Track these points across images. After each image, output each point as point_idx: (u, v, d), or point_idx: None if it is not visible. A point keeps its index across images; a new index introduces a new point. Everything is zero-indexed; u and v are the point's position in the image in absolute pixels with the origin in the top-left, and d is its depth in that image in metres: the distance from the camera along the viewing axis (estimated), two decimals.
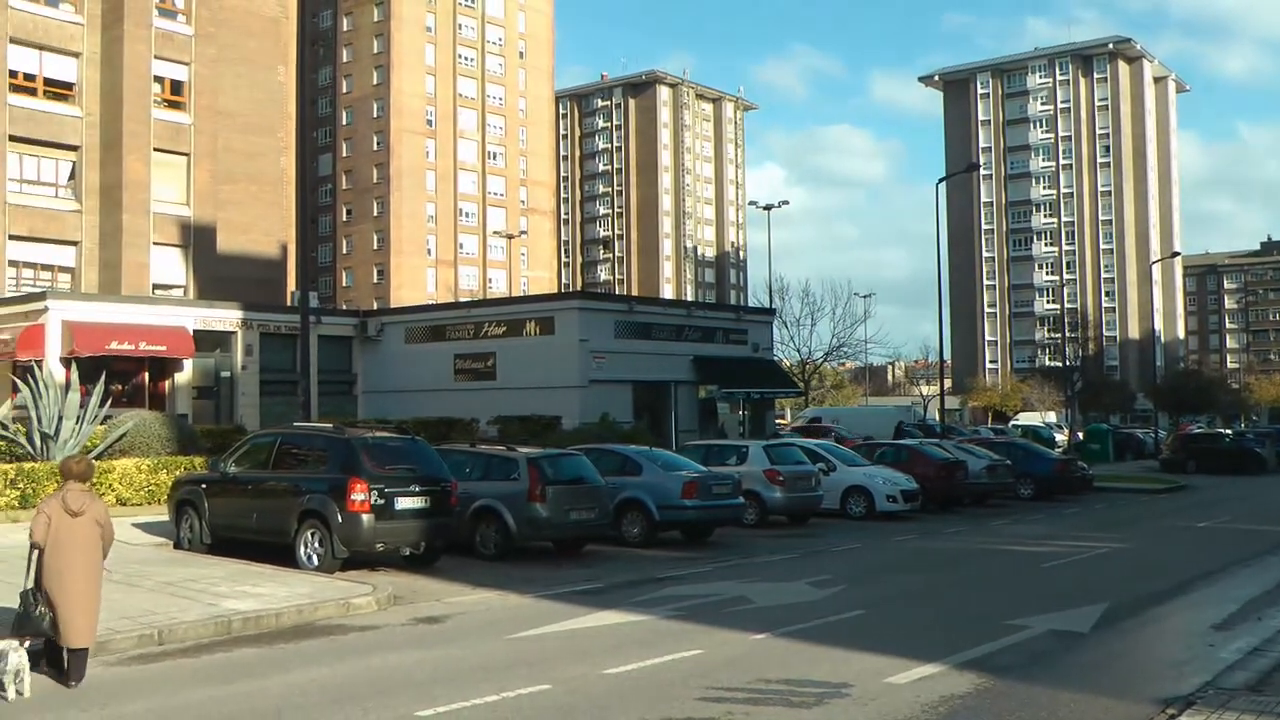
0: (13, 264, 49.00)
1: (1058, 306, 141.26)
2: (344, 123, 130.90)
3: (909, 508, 32.88)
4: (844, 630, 15.23)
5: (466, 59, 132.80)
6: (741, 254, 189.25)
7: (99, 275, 50.69)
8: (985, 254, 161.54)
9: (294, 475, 20.97)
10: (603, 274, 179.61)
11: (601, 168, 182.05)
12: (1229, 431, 79.18)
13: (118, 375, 42.10)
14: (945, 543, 27.22)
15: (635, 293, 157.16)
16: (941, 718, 11.13)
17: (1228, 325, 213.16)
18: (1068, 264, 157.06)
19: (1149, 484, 47.96)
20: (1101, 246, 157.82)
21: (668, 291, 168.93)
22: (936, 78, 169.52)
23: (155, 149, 51.40)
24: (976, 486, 37.30)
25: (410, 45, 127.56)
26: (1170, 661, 14.50)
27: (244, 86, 58.69)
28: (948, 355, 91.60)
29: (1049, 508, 37.59)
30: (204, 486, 22.35)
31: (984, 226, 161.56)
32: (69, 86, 51.23)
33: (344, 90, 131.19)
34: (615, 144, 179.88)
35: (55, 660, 12.44)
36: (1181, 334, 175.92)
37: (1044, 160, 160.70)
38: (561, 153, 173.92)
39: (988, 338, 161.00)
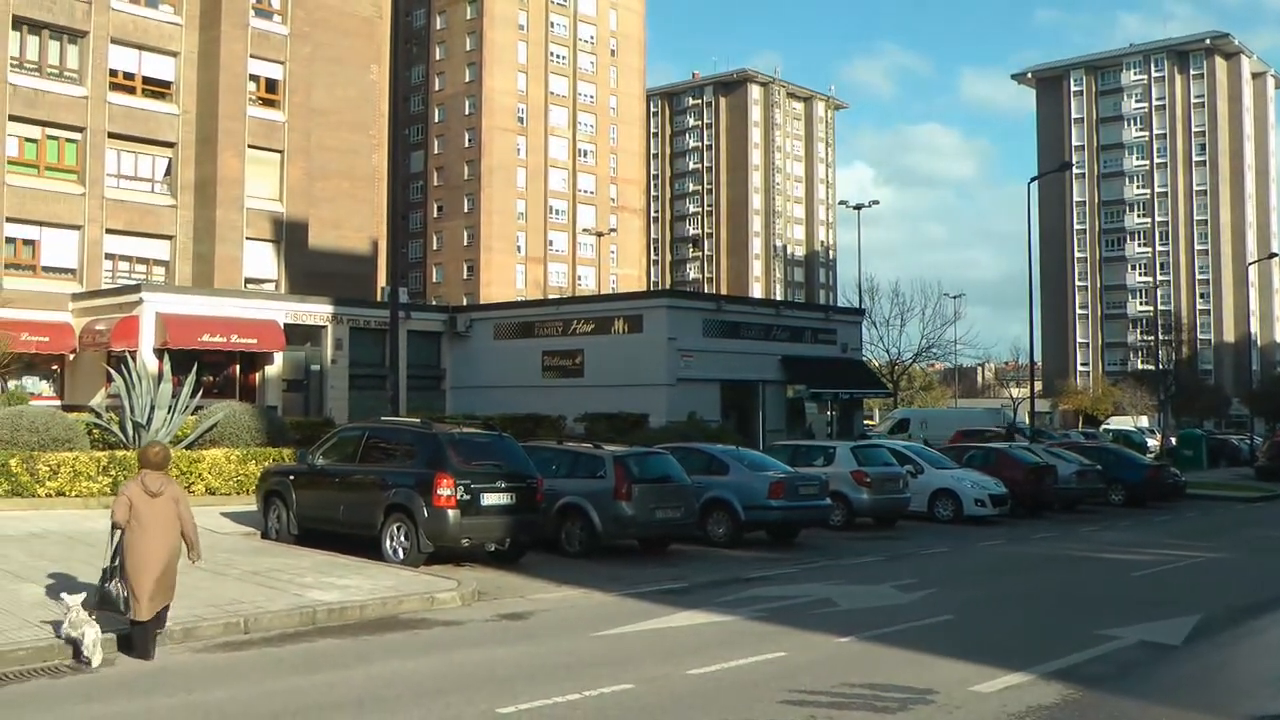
0: (109, 257, 49.66)
1: (1151, 308, 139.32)
2: (436, 120, 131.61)
3: (997, 512, 32.54)
4: (930, 635, 15.05)
5: (558, 56, 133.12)
6: (831, 253, 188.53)
7: (193, 269, 51.27)
8: (1077, 254, 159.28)
9: (381, 469, 21.08)
10: (692, 272, 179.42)
11: (691, 166, 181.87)
12: None
13: (209, 367, 42.61)
14: (1033, 548, 26.91)
15: (724, 292, 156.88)
16: None
17: None
18: (1161, 265, 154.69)
19: (1244, 492, 47.11)
20: (1196, 247, 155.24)
21: (757, 291, 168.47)
22: (1029, 75, 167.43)
23: (250, 146, 51.93)
24: (1066, 492, 36.81)
25: (503, 43, 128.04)
26: (1268, 678, 14.21)
27: (338, 84, 59.20)
28: (1038, 357, 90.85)
29: (1140, 514, 37.15)
30: (292, 478, 22.55)
31: (1076, 226, 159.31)
32: (167, 85, 51.86)
33: (436, 88, 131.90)
34: (706, 142, 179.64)
35: (130, 639, 13.03)
36: (1279, 337, 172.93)
37: (1138, 159, 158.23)
38: (652, 151, 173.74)
39: (1079, 340, 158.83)
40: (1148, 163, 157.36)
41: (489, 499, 19.95)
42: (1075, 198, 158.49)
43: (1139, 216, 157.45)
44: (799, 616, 16.35)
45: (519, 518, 20.43)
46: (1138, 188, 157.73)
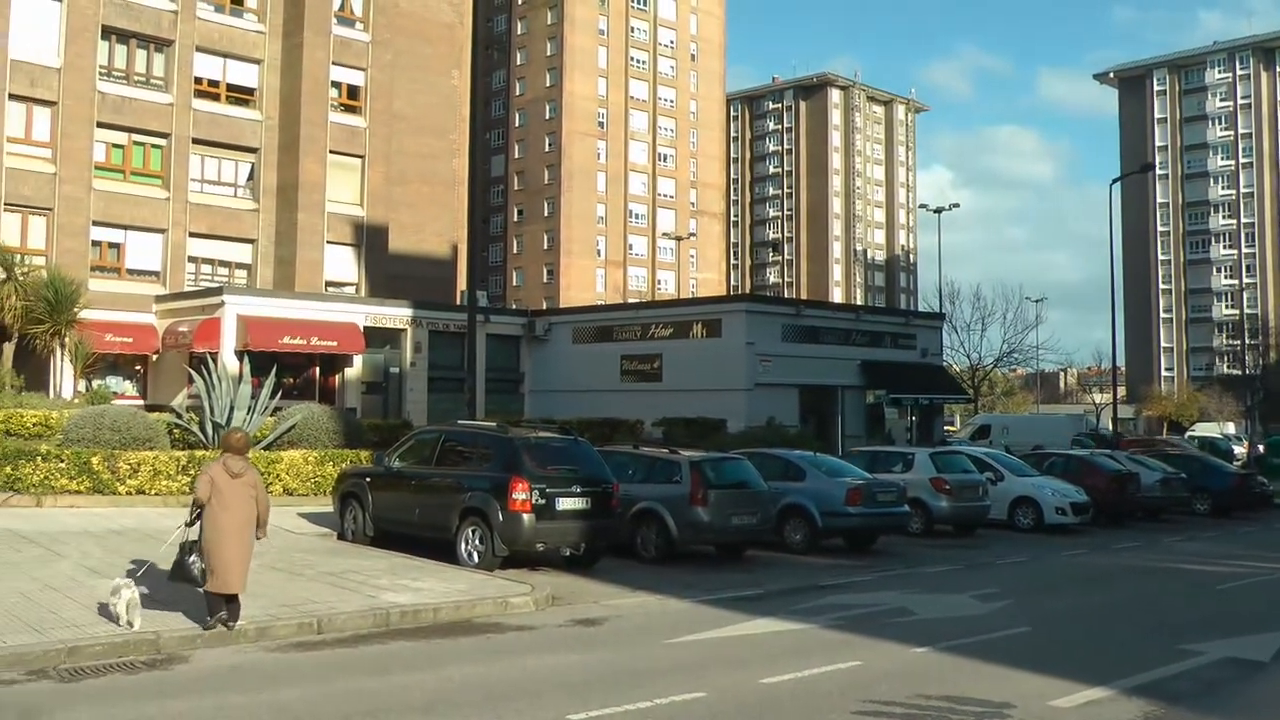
0: (192, 260, 50.24)
1: (1237, 312, 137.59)
2: (516, 124, 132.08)
3: (1078, 521, 32.15)
4: (1008, 647, 14.86)
5: (638, 61, 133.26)
6: (911, 257, 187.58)
7: (274, 272, 51.76)
8: (1160, 257, 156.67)
9: (457, 472, 21.11)
10: (771, 277, 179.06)
11: (771, 170, 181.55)
12: None
13: (289, 368, 42.98)
14: (1115, 559, 26.55)
15: (804, 296, 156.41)
16: None
17: None
18: (1247, 267, 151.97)
19: None
20: None
21: (837, 295, 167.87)
22: (1111, 75, 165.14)
23: (331, 151, 52.37)
24: (1149, 500, 36.32)
25: (583, 48, 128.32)
26: None
27: (418, 90, 59.55)
28: (1121, 362, 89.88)
29: (1225, 525, 36.52)
30: (368, 480, 22.64)
31: (1159, 228, 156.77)
32: (250, 91, 52.43)
33: (517, 93, 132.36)
34: (785, 146, 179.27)
35: (217, 608, 13.84)
36: None
37: (1223, 159, 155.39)
38: (731, 155, 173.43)
39: (1163, 344, 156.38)
40: (1233, 163, 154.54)
41: (564, 503, 19.94)
42: (1158, 199, 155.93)
43: (1224, 218, 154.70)
44: (875, 625, 16.21)
45: (594, 522, 20.41)
46: (1222, 188, 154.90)
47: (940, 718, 11.31)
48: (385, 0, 55.60)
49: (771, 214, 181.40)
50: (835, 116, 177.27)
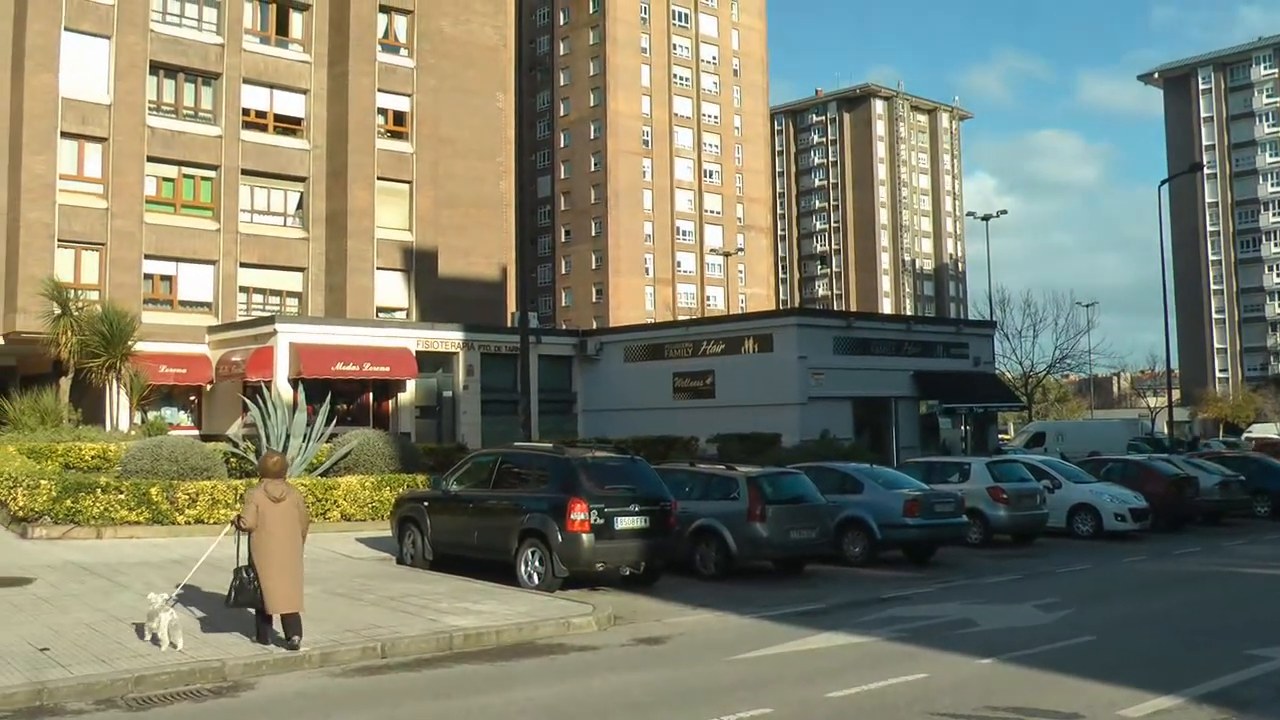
0: (244, 290, 50.59)
1: None
2: (562, 145, 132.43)
3: (1137, 526, 31.87)
4: (1073, 656, 14.74)
5: (681, 78, 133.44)
6: (960, 265, 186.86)
7: (325, 299, 52.03)
8: (1211, 257, 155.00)
9: (514, 494, 21.13)
10: (820, 290, 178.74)
11: (817, 183, 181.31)
12: None
13: (343, 395, 43.16)
14: (1177, 564, 26.32)
15: (853, 308, 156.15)
16: None
17: None
18: None
19: None
20: None
21: (886, 306, 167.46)
22: (1156, 75, 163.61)
23: (379, 177, 52.64)
24: (1208, 504, 35.96)
25: (626, 66, 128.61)
26: None
27: (464, 114, 59.75)
28: (1174, 364, 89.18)
29: None
30: (426, 504, 22.69)
31: (1209, 228, 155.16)
32: (297, 121, 52.82)
33: (561, 113, 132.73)
34: (831, 158, 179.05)
35: (265, 631, 14.39)
36: None
37: (1271, 156, 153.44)
38: (777, 169, 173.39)
39: (1216, 345, 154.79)
40: None
41: (623, 523, 19.94)
42: (1207, 199, 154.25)
43: (1274, 215, 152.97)
44: (938, 637, 16.13)
45: (653, 541, 20.40)
46: (1272, 185, 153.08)
47: None
48: (429, 26, 55.91)
49: (818, 227, 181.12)
50: (880, 127, 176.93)
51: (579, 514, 19.40)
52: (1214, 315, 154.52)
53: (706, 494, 23.30)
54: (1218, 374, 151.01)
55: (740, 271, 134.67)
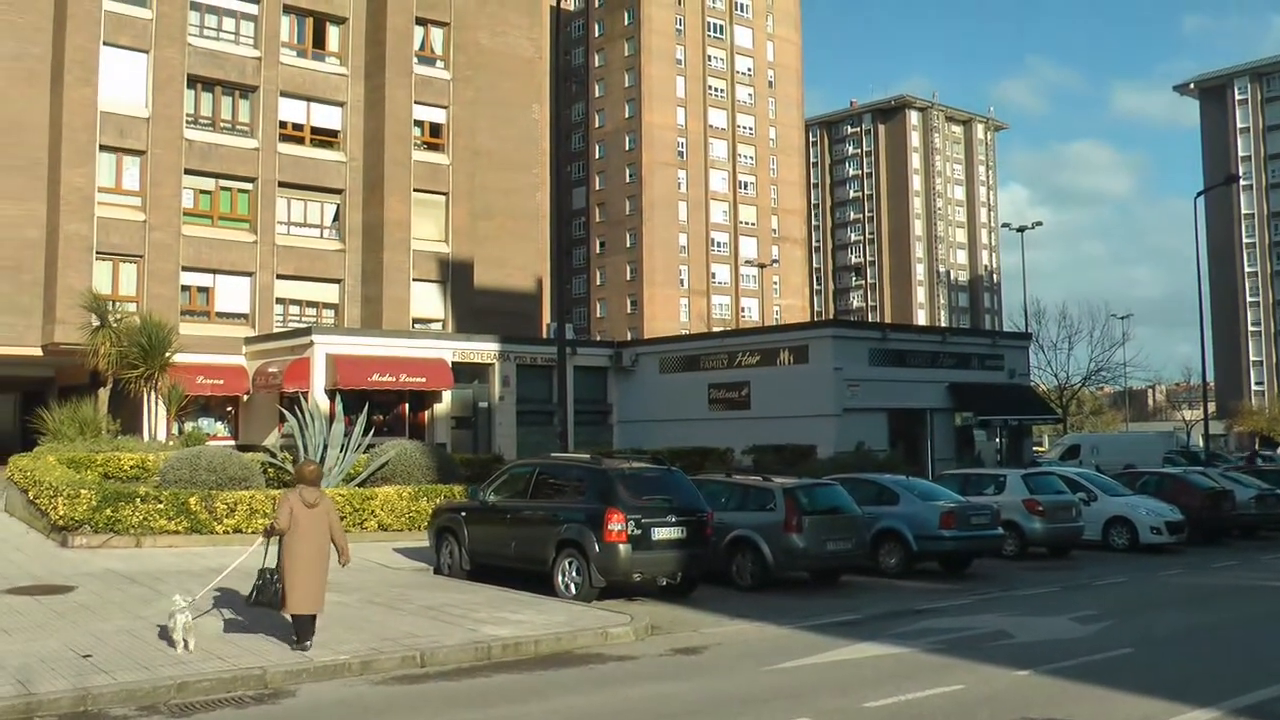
0: (280, 301, 50.80)
1: None
2: (597, 156, 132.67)
3: (1174, 540, 31.78)
4: (1110, 669, 14.72)
5: (716, 90, 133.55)
6: (995, 277, 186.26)
7: (361, 310, 52.21)
8: (1247, 269, 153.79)
9: (552, 505, 21.19)
10: (855, 301, 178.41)
11: (852, 194, 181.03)
12: None
13: (379, 406, 43.26)
14: (1214, 578, 26.24)
15: (888, 319, 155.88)
16: None
17: None
18: None
19: None
20: None
21: (921, 317, 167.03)
22: (1191, 85, 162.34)
23: (415, 189, 52.77)
24: (1245, 518, 35.86)
25: (661, 78, 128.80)
26: None
27: (500, 125, 59.88)
28: (1210, 377, 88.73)
29: None
30: (464, 514, 22.76)
31: (1245, 240, 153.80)
32: (334, 134, 53.05)
33: (597, 125, 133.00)
34: (865, 170, 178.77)
35: (302, 629, 14.88)
36: None
37: None
38: (812, 180, 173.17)
39: (1252, 358, 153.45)
40: None
41: (660, 533, 19.99)
42: (1243, 210, 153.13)
43: None
44: (975, 649, 16.14)
45: (690, 552, 20.44)
46: None
47: None
48: (465, 38, 56.09)
49: (853, 238, 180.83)
50: (914, 138, 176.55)
51: (616, 524, 19.46)
52: (1250, 328, 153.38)
53: (743, 505, 23.36)
54: (1253, 387, 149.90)
55: (775, 283, 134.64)
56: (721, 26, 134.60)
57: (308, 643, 14.67)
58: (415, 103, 53.31)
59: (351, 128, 52.98)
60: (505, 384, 49.96)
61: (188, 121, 48.61)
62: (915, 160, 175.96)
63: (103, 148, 46.11)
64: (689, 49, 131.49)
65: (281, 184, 50.92)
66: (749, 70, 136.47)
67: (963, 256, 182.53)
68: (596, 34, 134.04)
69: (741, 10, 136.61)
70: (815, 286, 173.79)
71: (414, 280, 52.70)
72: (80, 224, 45.14)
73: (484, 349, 49.80)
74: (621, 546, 19.47)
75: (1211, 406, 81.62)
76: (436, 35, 55.21)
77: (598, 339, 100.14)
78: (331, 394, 40.94)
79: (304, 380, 43.80)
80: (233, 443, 43.97)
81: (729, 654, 15.98)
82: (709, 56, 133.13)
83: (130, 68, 46.98)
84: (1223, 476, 38.16)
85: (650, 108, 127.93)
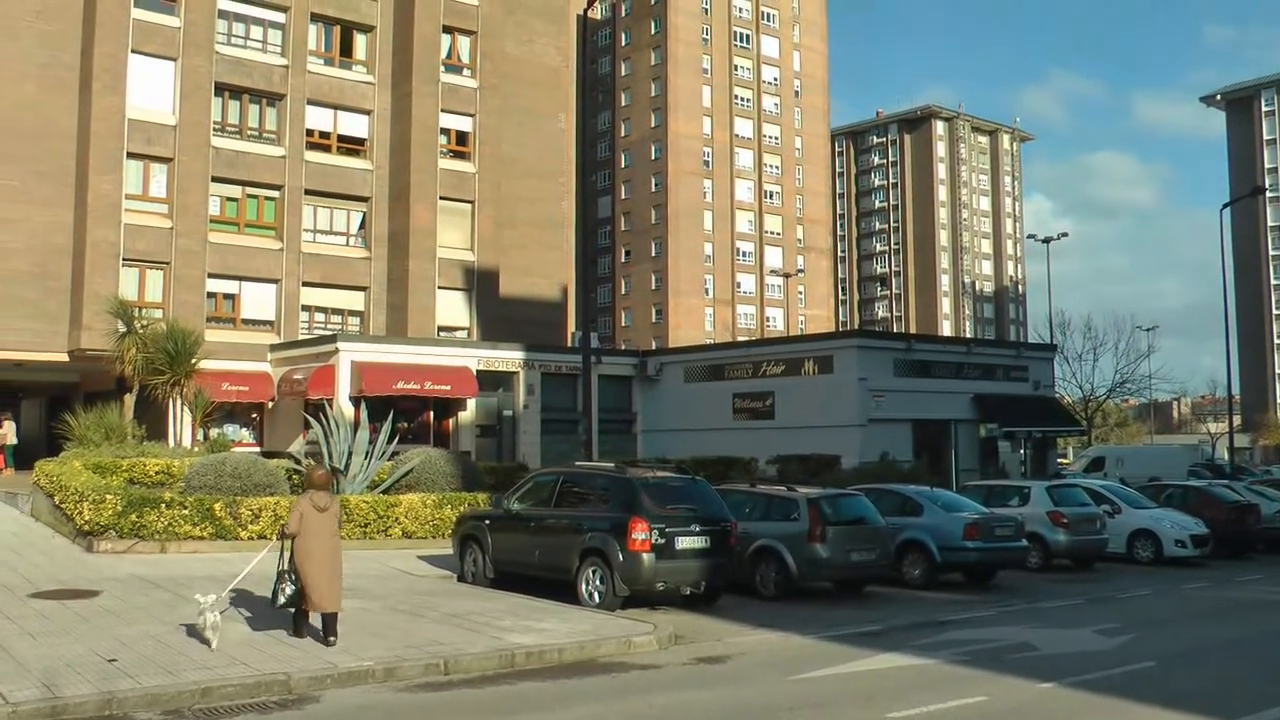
0: (306, 309, 50.94)
1: None
2: (622, 165, 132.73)
3: (1198, 553, 31.67)
4: (1134, 682, 14.68)
5: (742, 100, 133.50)
6: (1021, 288, 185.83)
7: (386, 318, 52.33)
8: (1273, 281, 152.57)
9: (576, 513, 21.19)
10: (880, 311, 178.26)
11: (878, 204, 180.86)
12: None
13: (404, 413, 43.38)
14: (1239, 592, 26.15)
15: (913, 330, 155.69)
16: None
17: None
18: None
19: None
20: None
21: (946, 328, 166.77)
22: (1218, 97, 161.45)
23: (441, 197, 52.88)
24: (1270, 531, 35.66)
25: (687, 88, 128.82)
26: None
27: (526, 134, 59.95)
28: (1236, 389, 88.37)
29: None
30: (488, 522, 22.83)
31: (1271, 252, 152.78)
32: (360, 142, 53.20)
33: (622, 134, 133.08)
34: (891, 180, 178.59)
35: (301, 627, 15.79)
36: None
37: None
38: (837, 190, 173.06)
39: (1278, 371, 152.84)
40: None
41: (683, 543, 19.98)
42: (1270, 221, 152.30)
43: None
44: (998, 660, 16.10)
45: (714, 561, 20.43)
46: None
47: None
48: (492, 46, 56.20)
49: (878, 248, 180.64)
50: (940, 148, 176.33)
51: (640, 533, 19.47)
52: (1276, 340, 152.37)
53: (767, 515, 23.37)
54: (1279, 400, 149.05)
55: (800, 293, 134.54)
56: (748, 36, 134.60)
57: (333, 638, 15.25)
58: (442, 111, 53.43)
59: (378, 136, 53.13)
60: (530, 392, 50.03)
61: (215, 129, 48.82)
62: (941, 170, 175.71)
63: (130, 155, 46.33)
64: (715, 58, 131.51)
65: (308, 191, 51.09)
66: (775, 80, 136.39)
67: (988, 267, 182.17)
68: (623, 43, 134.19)
69: (768, 20, 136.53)
70: (840, 296, 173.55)
71: (439, 288, 52.78)
72: (107, 230, 45.33)
73: (509, 357, 49.88)
74: (645, 555, 19.47)
75: (1237, 419, 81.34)
76: (463, 43, 55.34)
77: (622, 348, 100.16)
78: (356, 401, 41.10)
79: (329, 387, 43.93)
80: (258, 449, 44.01)
81: (752, 663, 15.97)
82: (735, 66, 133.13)
83: (158, 75, 47.21)
84: (1248, 490, 38.04)
85: (676, 117, 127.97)
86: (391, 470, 30.48)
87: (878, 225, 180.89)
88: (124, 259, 45.78)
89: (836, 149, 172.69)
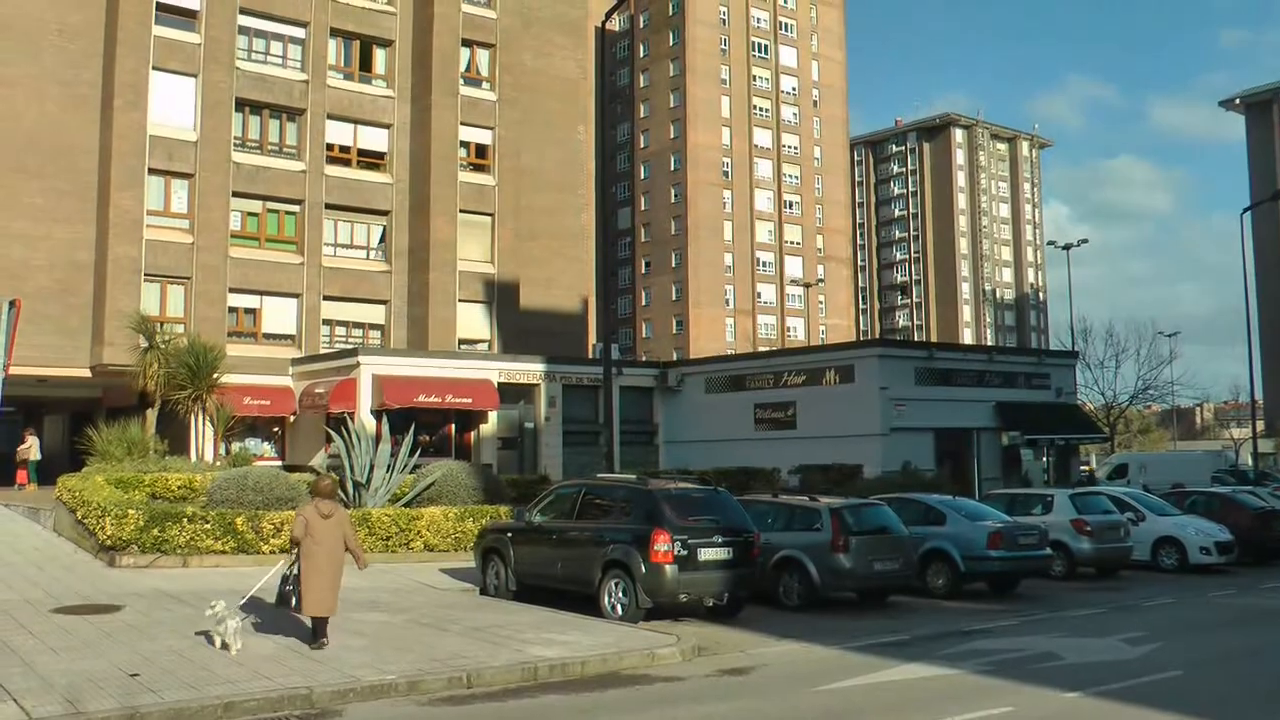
0: (327, 322, 51.03)
1: None
2: (642, 177, 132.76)
3: (1223, 560, 31.51)
4: (1160, 692, 14.59)
5: (761, 110, 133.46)
6: (1041, 295, 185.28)
7: (407, 331, 52.41)
8: None
9: (598, 525, 21.18)
10: (900, 320, 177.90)
11: (897, 213, 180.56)
12: None
13: (425, 426, 43.35)
14: (1265, 600, 26.01)
15: (934, 338, 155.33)
16: None
17: None
18: None
19: None
20: None
21: (967, 336, 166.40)
22: (1237, 101, 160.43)
23: (461, 210, 52.96)
24: None
25: (705, 98, 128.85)
26: None
27: (545, 146, 59.99)
28: (1259, 395, 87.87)
29: None
30: (510, 535, 22.81)
31: None
32: (380, 156, 53.32)
33: (642, 145, 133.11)
34: (911, 189, 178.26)
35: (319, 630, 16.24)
36: None
37: None
38: (857, 199, 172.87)
39: None
40: None
41: (706, 554, 19.95)
42: None
43: None
44: (1023, 670, 16.03)
45: (736, 572, 20.39)
46: None
47: None
48: (511, 59, 56.32)
49: (899, 257, 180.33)
50: (959, 156, 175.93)
51: (663, 545, 19.44)
52: None
53: (789, 525, 23.34)
54: None
55: (820, 302, 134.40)
56: (766, 46, 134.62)
57: (323, 639, 16.02)
58: (461, 124, 53.53)
59: (398, 149, 53.25)
60: (551, 404, 50.04)
61: (235, 144, 48.97)
62: (960, 178, 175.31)
63: (152, 171, 46.48)
64: (734, 69, 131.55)
65: (328, 206, 51.21)
66: (794, 89, 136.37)
67: (1008, 275, 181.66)
68: (641, 54, 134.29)
69: (786, 30, 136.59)
70: (861, 306, 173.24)
71: (460, 301, 52.84)
72: (129, 246, 45.48)
73: (530, 369, 49.89)
74: (668, 567, 19.45)
75: (1260, 425, 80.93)
76: (482, 57, 55.45)
77: (643, 359, 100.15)
78: (378, 414, 41.16)
79: (350, 401, 43.99)
80: (279, 463, 44.03)
81: (776, 675, 15.93)
82: (754, 76, 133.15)
83: (179, 91, 47.38)
84: (1272, 496, 37.82)
85: (695, 128, 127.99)
86: (413, 483, 30.48)
87: (897, 234, 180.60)
88: (145, 274, 45.91)
89: (855, 158, 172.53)
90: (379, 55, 53.94)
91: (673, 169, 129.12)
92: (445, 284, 52.22)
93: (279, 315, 49.95)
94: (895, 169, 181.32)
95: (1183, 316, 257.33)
